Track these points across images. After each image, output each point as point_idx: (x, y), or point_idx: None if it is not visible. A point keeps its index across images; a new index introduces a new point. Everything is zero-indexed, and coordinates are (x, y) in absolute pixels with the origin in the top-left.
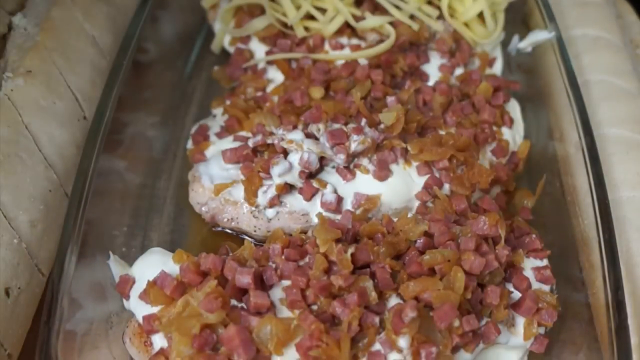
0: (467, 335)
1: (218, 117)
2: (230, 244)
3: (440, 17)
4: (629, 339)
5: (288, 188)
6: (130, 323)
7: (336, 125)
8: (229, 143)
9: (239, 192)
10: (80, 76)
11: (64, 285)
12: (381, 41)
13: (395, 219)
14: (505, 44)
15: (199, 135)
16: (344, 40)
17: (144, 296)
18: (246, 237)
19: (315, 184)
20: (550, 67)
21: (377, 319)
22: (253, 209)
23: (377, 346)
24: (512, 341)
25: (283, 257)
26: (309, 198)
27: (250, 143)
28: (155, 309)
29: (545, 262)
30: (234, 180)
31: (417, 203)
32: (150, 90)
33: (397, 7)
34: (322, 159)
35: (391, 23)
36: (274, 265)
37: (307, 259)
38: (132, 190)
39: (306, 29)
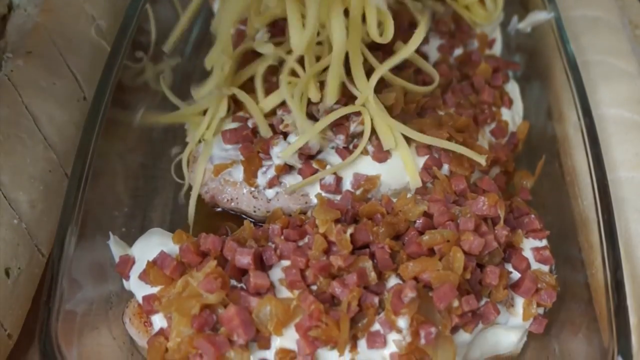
0: (467, 315)
1: None
2: (230, 225)
3: None
4: (628, 319)
5: (287, 169)
6: (130, 303)
7: (336, 106)
8: (228, 124)
9: (238, 172)
10: (80, 57)
11: (63, 266)
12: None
13: (394, 200)
14: (504, 24)
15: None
16: None
17: (144, 276)
18: (246, 218)
19: (314, 164)
20: (549, 48)
21: (376, 300)
22: (253, 189)
23: (376, 326)
24: (512, 321)
25: (282, 237)
26: None
27: (250, 124)
28: (155, 290)
29: (544, 242)
30: (233, 160)
31: None
32: (150, 71)
33: None
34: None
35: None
36: (273, 246)
37: (306, 239)
38: (132, 170)
39: None
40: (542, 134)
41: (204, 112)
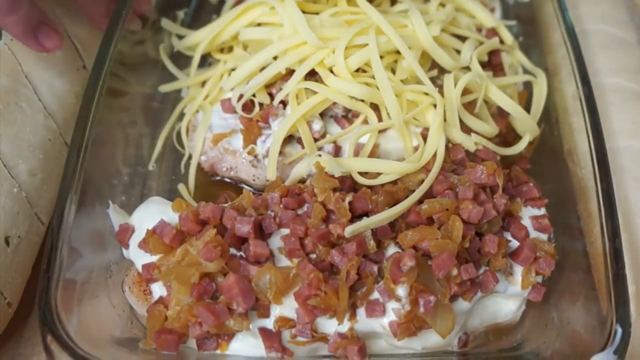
0: (465, 284)
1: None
2: (230, 193)
3: None
4: (626, 288)
5: (287, 138)
6: (130, 272)
7: None
8: (227, 92)
9: (238, 141)
10: (80, 26)
11: (63, 234)
12: None
13: None
14: None
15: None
16: None
17: (143, 245)
18: (245, 186)
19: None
20: (547, 17)
21: (375, 268)
22: (252, 158)
23: (375, 295)
24: (510, 290)
25: (281, 205)
26: None
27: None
28: (154, 258)
29: (543, 211)
30: (232, 129)
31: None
32: (149, 40)
33: None
34: None
35: None
36: (272, 214)
37: (305, 208)
38: (131, 139)
39: None
40: None
41: (203, 83)
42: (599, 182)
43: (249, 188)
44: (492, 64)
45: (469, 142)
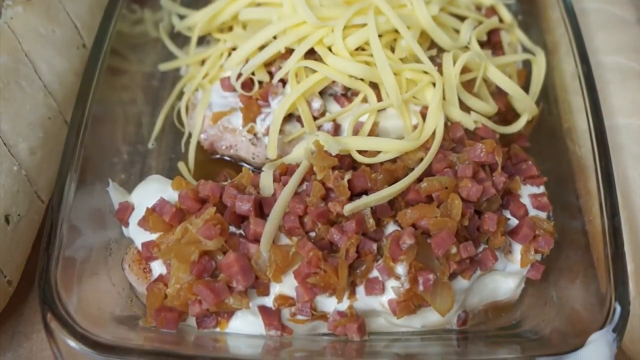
0: (465, 262)
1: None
2: (229, 171)
3: None
4: (625, 266)
5: (286, 116)
6: (129, 250)
7: None
8: (227, 71)
9: (237, 119)
10: (80, 4)
11: (63, 212)
12: None
13: None
14: None
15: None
16: None
17: (143, 223)
18: (244, 165)
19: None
20: None
21: (374, 246)
22: (251, 136)
23: (374, 273)
24: (509, 268)
25: (281, 183)
26: None
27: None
28: (154, 236)
29: (542, 189)
30: (232, 108)
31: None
32: (149, 19)
33: None
34: None
35: None
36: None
37: (304, 186)
38: (131, 117)
39: None
40: None
41: (202, 62)
42: (598, 161)
43: (248, 166)
44: (491, 42)
45: (468, 121)
